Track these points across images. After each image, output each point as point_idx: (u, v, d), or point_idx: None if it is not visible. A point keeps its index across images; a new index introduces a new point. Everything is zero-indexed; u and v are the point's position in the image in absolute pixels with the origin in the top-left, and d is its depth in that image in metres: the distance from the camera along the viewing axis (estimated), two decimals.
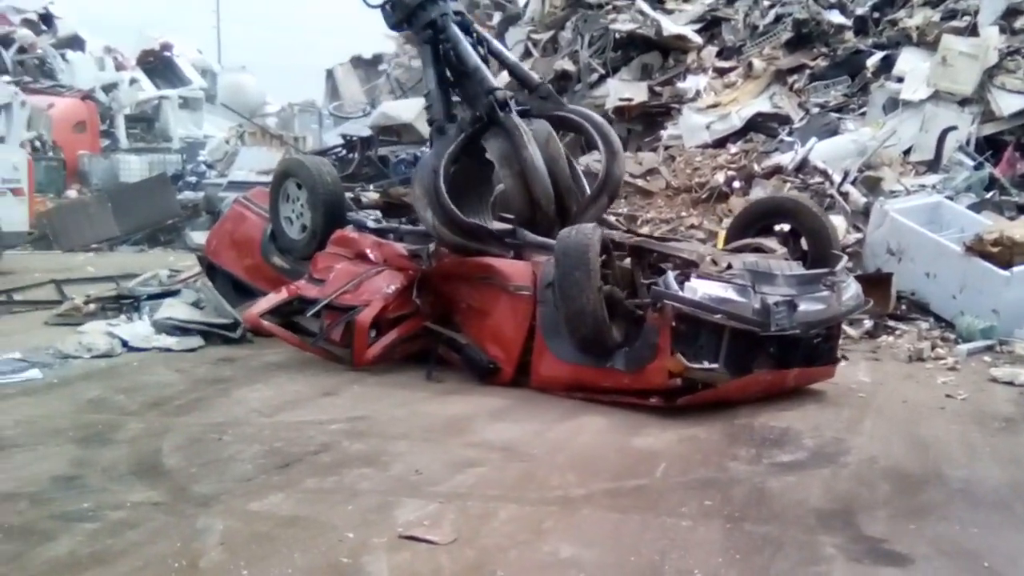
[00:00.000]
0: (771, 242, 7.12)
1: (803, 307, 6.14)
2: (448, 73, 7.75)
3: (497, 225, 7.60)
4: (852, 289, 6.67)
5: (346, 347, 7.02)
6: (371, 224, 8.03)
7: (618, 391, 6.16)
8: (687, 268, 6.29)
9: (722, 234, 9.00)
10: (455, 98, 7.83)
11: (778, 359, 6.29)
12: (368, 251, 7.53)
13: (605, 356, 6.15)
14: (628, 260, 6.68)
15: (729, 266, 6.25)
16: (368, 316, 6.88)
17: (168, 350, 7.46)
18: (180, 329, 7.78)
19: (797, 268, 6.61)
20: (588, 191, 7.62)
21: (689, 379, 5.91)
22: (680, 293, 5.88)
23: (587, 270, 5.89)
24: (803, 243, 7.25)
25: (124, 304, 8.92)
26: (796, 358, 6.35)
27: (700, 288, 5.95)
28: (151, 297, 8.76)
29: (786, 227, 7.37)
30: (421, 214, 7.30)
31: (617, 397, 6.16)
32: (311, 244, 8.05)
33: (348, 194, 8.70)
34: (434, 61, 7.71)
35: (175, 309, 8.01)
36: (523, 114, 7.37)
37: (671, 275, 6.03)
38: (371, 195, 8.94)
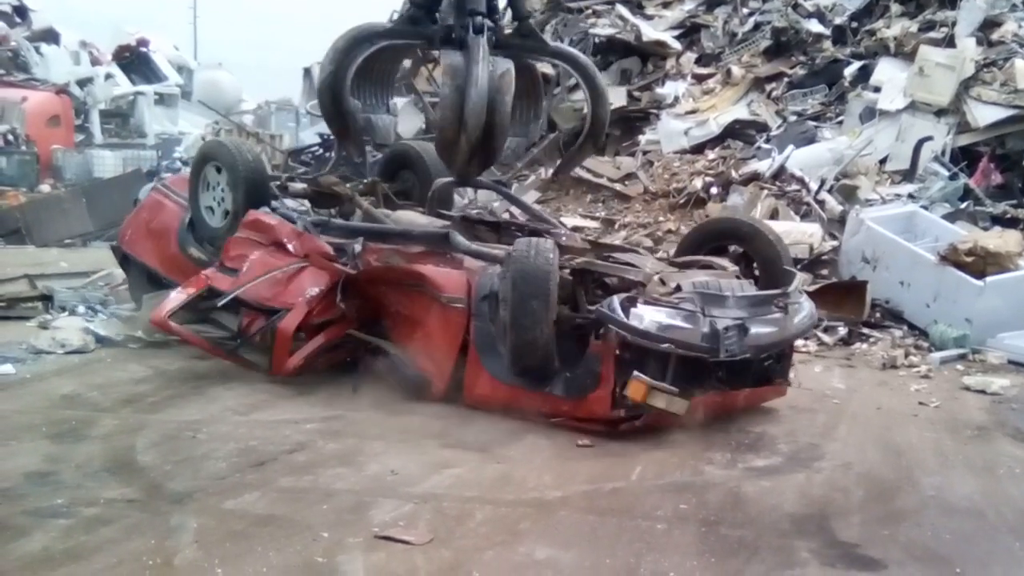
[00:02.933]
0: (723, 261, 6.80)
1: (754, 330, 5.85)
2: None
3: (430, 220, 7.37)
4: (805, 309, 6.38)
5: (265, 351, 6.62)
6: (296, 218, 7.32)
7: (557, 417, 5.82)
8: (633, 288, 6.00)
9: None
10: None
11: (727, 382, 6.02)
12: (286, 241, 7.00)
13: (544, 381, 5.84)
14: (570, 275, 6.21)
15: (678, 287, 5.99)
16: (292, 323, 6.42)
17: (144, 345, 7.39)
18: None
19: (748, 288, 6.33)
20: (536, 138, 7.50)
21: (634, 409, 5.58)
22: (625, 320, 5.57)
23: (546, 300, 5.56)
24: (755, 267, 6.95)
25: (45, 302, 8.83)
26: (746, 380, 6.13)
27: (646, 315, 5.63)
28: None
29: (739, 250, 7.04)
30: (324, 64, 7.01)
31: (555, 420, 5.82)
32: (233, 229, 7.42)
33: (274, 182, 8.03)
34: None
35: None
36: (496, 46, 6.92)
37: (616, 299, 5.68)
38: (298, 186, 8.14)
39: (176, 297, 6.82)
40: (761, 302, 6.14)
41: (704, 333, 5.65)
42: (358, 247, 6.81)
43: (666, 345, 5.58)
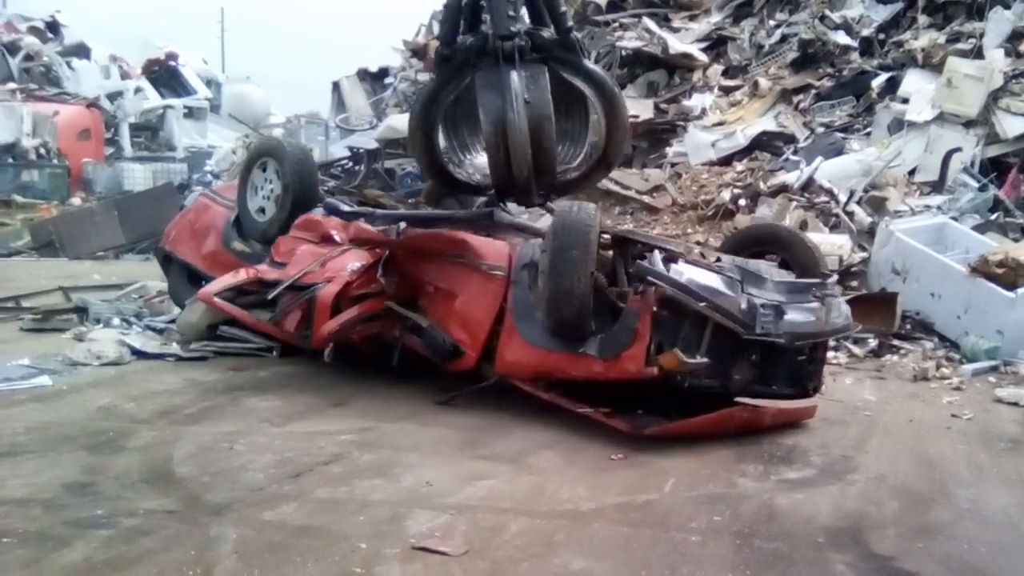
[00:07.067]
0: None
1: (790, 316, 5.83)
2: None
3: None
4: (842, 308, 6.37)
5: (302, 334, 6.81)
6: (344, 208, 7.55)
7: (588, 380, 5.85)
8: (674, 256, 6.01)
9: None
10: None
11: (760, 371, 5.94)
12: (333, 232, 7.24)
13: (578, 341, 5.86)
14: (611, 252, 6.31)
15: (718, 259, 6.06)
16: (330, 292, 6.59)
17: (178, 358, 7.48)
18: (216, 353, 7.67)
19: (787, 275, 6.37)
20: (583, 150, 7.27)
21: (667, 373, 5.57)
22: (666, 273, 5.63)
23: (585, 250, 5.62)
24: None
25: (80, 314, 9.03)
26: (779, 374, 6.05)
27: (687, 272, 5.69)
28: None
29: (777, 258, 7.00)
30: (413, 153, 7.18)
31: (584, 410, 5.87)
32: (280, 218, 7.75)
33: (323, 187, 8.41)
34: None
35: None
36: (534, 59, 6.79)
37: (658, 254, 5.77)
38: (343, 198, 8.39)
39: (225, 279, 7.10)
40: (800, 289, 6.12)
41: (741, 306, 5.67)
42: (403, 225, 6.94)
43: (703, 304, 5.59)
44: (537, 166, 6.73)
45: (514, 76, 6.60)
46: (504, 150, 6.63)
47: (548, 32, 6.82)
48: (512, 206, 7.46)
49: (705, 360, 5.62)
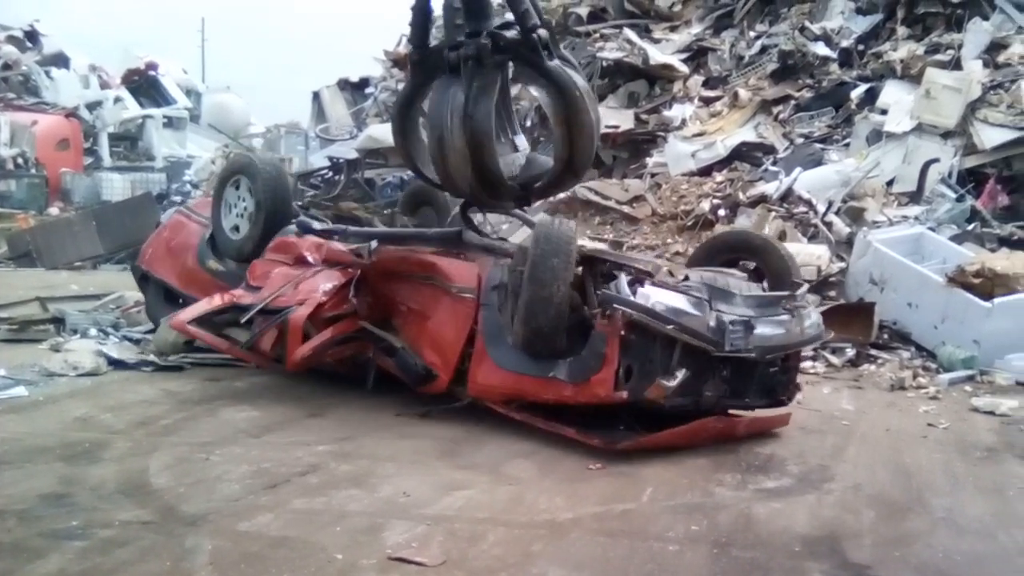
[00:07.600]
0: (734, 271, 6.71)
1: (760, 330, 5.79)
2: None
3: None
4: (813, 317, 6.31)
5: (277, 354, 6.71)
6: (316, 226, 7.59)
7: (559, 403, 5.86)
8: (641, 276, 6.02)
9: None
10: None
11: (732, 386, 5.93)
12: (307, 254, 7.18)
13: (547, 364, 5.85)
14: (580, 269, 6.22)
15: (686, 278, 6.04)
16: (302, 315, 6.51)
17: (155, 368, 7.45)
18: (193, 363, 7.65)
19: (756, 289, 6.34)
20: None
21: (635, 399, 5.61)
22: (631, 299, 5.61)
23: (566, 260, 5.65)
24: (765, 284, 6.84)
25: (57, 325, 8.99)
26: (751, 387, 6.03)
27: (653, 296, 5.64)
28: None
29: (750, 264, 6.96)
30: (399, 154, 7.30)
31: (558, 428, 5.85)
32: (253, 235, 7.66)
33: (297, 202, 8.40)
34: None
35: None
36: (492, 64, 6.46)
37: (623, 279, 5.78)
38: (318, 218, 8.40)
39: (199, 306, 6.98)
40: (769, 303, 6.09)
41: (710, 325, 5.63)
42: (374, 244, 6.88)
43: (671, 327, 5.55)
44: (481, 180, 6.59)
45: (453, 91, 6.38)
46: (444, 165, 6.56)
47: (513, 32, 6.39)
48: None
49: (685, 373, 5.59)
